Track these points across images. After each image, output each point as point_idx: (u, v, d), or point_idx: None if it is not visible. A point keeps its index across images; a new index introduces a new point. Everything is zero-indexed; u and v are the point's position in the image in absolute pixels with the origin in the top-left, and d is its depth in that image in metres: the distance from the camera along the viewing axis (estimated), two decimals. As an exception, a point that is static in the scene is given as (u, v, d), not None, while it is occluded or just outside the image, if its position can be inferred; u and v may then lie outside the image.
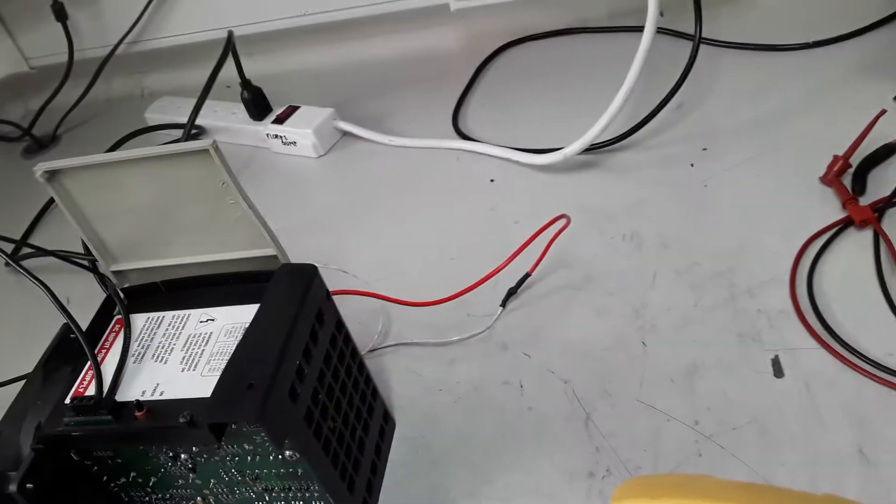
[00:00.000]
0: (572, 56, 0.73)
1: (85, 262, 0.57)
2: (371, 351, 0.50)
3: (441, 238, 0.58)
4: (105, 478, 0.40)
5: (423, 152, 0.67)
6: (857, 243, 0.48)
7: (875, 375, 0.41)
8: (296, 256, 0.41)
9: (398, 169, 0.66)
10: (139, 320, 0.41)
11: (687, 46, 0.58)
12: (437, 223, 0.59)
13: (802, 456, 0.39)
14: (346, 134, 0.72)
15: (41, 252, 0.61)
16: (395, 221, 0.61)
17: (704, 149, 0.58)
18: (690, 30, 0.58)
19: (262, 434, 0.36)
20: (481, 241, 0.56)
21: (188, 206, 0.39)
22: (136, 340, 0.40)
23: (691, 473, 0.38)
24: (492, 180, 0.62)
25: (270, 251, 0.40)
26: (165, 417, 0.35)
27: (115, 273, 0.42)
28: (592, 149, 0.59)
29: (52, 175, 0.38)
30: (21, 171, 0.84)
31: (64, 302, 0.41)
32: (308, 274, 0.39)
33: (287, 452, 0.36)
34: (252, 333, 0.37)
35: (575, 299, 0.50)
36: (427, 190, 0.63)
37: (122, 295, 0.42)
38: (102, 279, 0.41)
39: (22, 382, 0.40)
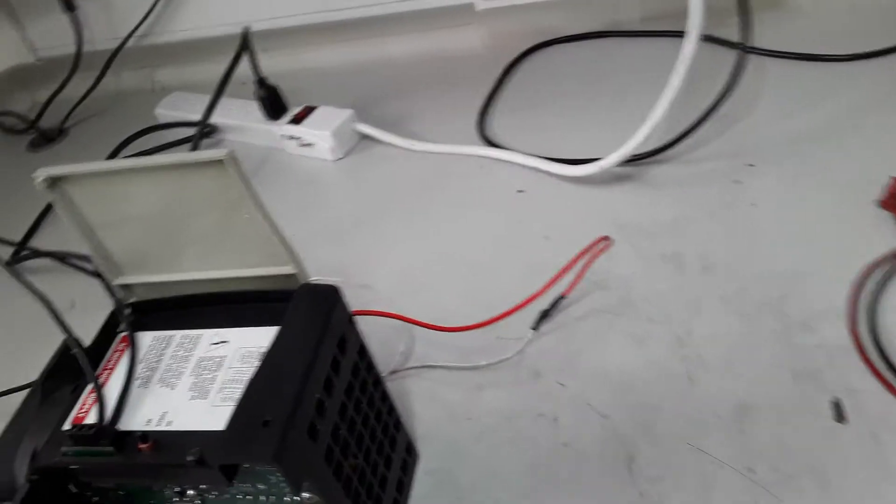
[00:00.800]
0: (605, 60, 0.70)
1: (90, 268, 0.54)
2: (392, 373, 0.47)
3: (466, 251, 0.55)
4: (104, 508, 0.36)
5: (446, 158, 0.64)
6: (921, 273, 0.45)
7: (946, 421, 0.38)
8: (311, 267, 0.37)
9: (420, 175, 0.63)
10: (146, 339, 0.37)
11: (725, 53, 0.54)
12: (462, 235, 0.56)
13: (867, 508, 0.36)
14: (364, 137, 0.68)
15: (44, 254, 0.58)
16: (417, 231, 0.58)
17: (751, 164, 0.54)
18: (727, 36, 0.54)
19: (278, 474, 0.32)
20: (509, 256, 0.53)
21: (200, 218, 0.36)
22: (142, 361, 0.36)
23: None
24: (520, 191, 0.58)
25: (289, 269, 0.36)
26: (173, 452, 0.32)
27: (121, 287, 0.39)
28: (630, 161, 0.55)
29: (53, 181, 0.35)
30: (26, 164, 0.81)
31: (68, 306, 0.37)
32: (331, 296, 0.35)
33: (304, 494, 0.33)
34: (270, 362, 0.33)
35: (613, 325, 0.47)
36: (451, 199, 0.60)
37: (127, 311, 0.38)
38: (109, 288, 0.38)
39: (20, 393, 0.38)
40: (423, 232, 0.58)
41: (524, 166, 0.60)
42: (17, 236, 0.69)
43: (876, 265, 0.45)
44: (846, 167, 0.52)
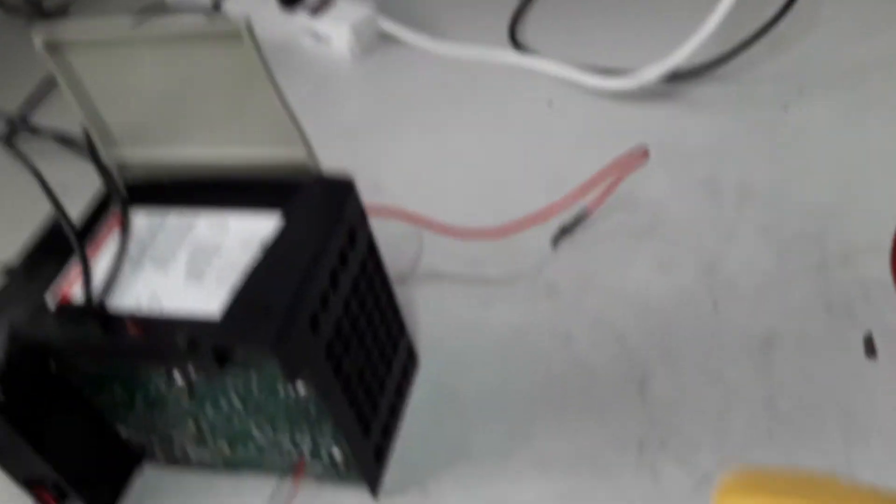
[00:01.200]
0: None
1: (84, 149, 0.52)
2: (399, 279, 0.46)
3: (488, 162, 0.53)
4: (87, 392, 0.36)
5: (473, 64, 0.61)
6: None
7: None
8: (323, 167, 0.36)
9: (444, 80, 0.61)
10: (140, 219, 0.36)
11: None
12: (484, 145, 0.54)
13: (893, 450, 0.35)
14: (386, 36, 0.66)
15: (38, 133, 0.57)
16: (437, 139, 0.56)
17: (801, 90, 0.52)
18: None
19: (274, 363, 0.31)
20: (533, 171, 0.51)
21: (209, 95, 0.34)
22: (135, 241, 0.35)
23: (812, 471, 0.33)
24: (550, 103, 0.56)
25: (300, 157, 0.35)
26: (163, 334, 0.31)
27: (118, 164, 0.38)
28: (671, 77, 0.53)
29: (53, 47, 0.33)
30: (25, 45, 0.79)
31: (61, 191, 0.36)
32: (343, 187, 0.34)
33: (300, 387, 0.32)
34: (272, 249, 0.32)
35: (638, 247, 0.45)
36: (475, 107, 0.58)
37: (122, 188, 0.37)
38: (103, 170, 0.37)
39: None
40: (443, 139, 0.56)
41: (557, 77, 0.57)
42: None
43: (926, 202, 0.43)
44: (899, 99, 0.50)
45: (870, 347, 0.38)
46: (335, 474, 0.37)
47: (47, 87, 0.69)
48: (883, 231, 0.43)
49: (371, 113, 0.60)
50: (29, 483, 0.37)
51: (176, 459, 0.40)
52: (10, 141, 0.36)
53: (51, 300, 0.33)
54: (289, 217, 0.33)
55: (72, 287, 0.34)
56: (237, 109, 0.34)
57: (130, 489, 0.40)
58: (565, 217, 0.46)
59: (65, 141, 0.55)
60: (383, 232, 0.40)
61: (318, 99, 0.62)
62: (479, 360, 0.42)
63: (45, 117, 0.64)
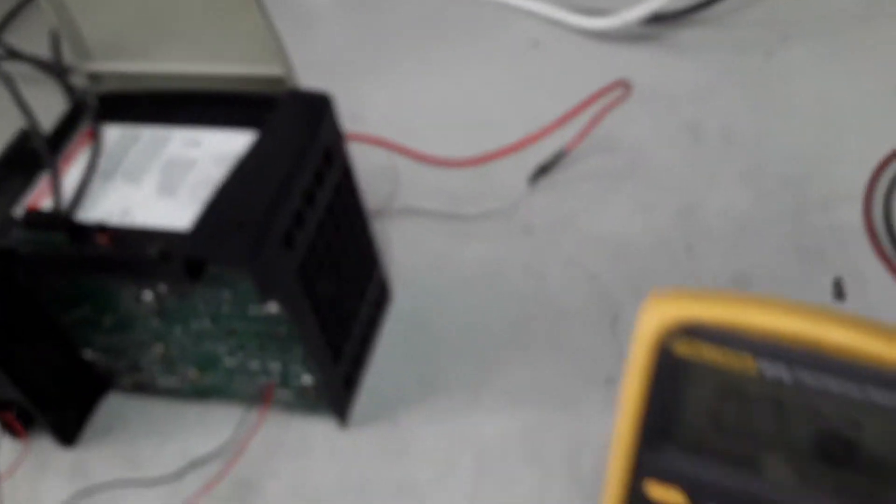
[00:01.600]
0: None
1: (53, 69, 0.52)
2: (374, 214, 0.47)
3: (469, 101, 0.53)
4: (54, 311, 0.36)
5: (458, 1, 0.61)
6: (949, 165, 0.44)
7: (949, 313, 0.38)
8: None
9: (425, 16, 0.61)
10: (112, 133, 0.36)
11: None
12: (466, 84, 0.55)
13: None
14: (368, -31, 0.66)
15: (5, 55, 0.56)
16: (418, 76, 0.56)
17: (786, 37, 0.53)
18: None
19: (246, 283, 0.32)
20: (514, 109, 0.52)
21: (188, 7, 0.34)
22: (107, 155, 0.35)
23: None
24: (533, 41, 0.57)
25: (277, 71, 0.35)
26: (133, 245, 0.31)
27: (91, 76, 0.38)
28: (656, 19, 0.54)
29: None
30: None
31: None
32: (321, 104, 0.34)
33: (272, 307, 0.33)
34: (246, 164, 0.33)
35: (616, 188, 0.46)
36: (457, 45, 0.58)
37: (95, 101, 0.37)
38: (70, 88, 0.36)
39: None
40: (424, 76, 0.56)
41: (541, 15, 0.58)
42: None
43: (902, 151, 0.45)
44: (884, 48, 0.51)
45: (838, 291, 0.40)
46: (304, 403, 0.38)
47: (21, 8, 0.68)
48: (859, 179, 0.44)
49: (351, 44, 0.60)
50: (-5, 407, 0.38)
51: (143, 387, 0.40)
52: None
53: (19, 211, 0.34)
54: (264, 133, 0.34)
55: (41, 199, 0.34)
56: (216, 22, 0.34)
57: (96, 416, 0.41)
58: (544, 155, 0.47)
59: (41, 64, 0.54)
60: (361, 164, 0.40)
61: (296, 28, 0.62)
62: (453, 295, 0.43)
63: (21, 41, 0.63)
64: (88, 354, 0.39)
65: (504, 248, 0.45)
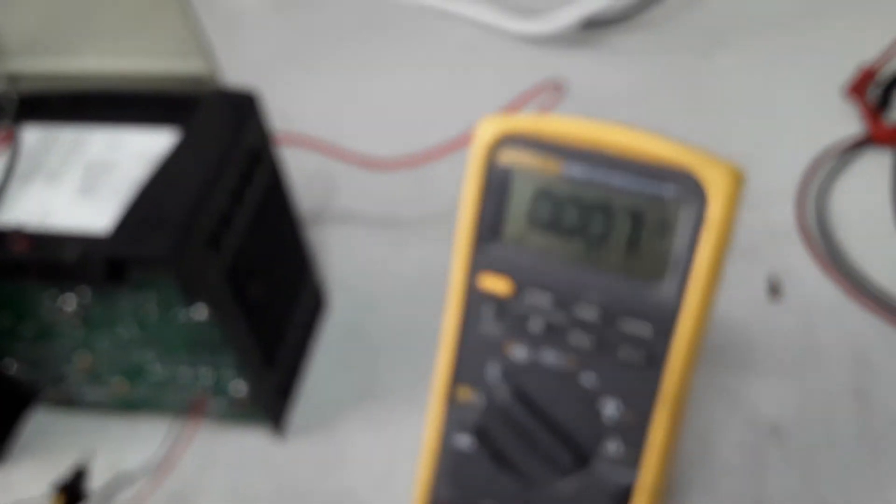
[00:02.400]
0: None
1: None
2: (309, 220, 0.46)
3: (402, 102, 0.53)
4: (-30, 322, 0.35)
5: (392, 3, 0.61)
6: (878, 164, 0.46)
7: (880, 307, 0.39)
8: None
9: (358, 21, 0.61)
10: (31, 134, 0.35)
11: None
12: (401, 86, 0.55)
13: (791, 387, 0.37)
14: (302, -26, 0.65)
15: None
16: (352, 78, 0.56)
17: (719, 41, 0.54)
18: None
19: (172, 286, 0.31)
20: (448, 112, 0.51)
21: (107, 2, 0.34)
22: (26, 157, 0.34)
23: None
24: (466, 48, 0.57)
25: (202, 69, 0.34)
26: (52, 248, 0.30)
27: (8, 76, 0.37)
28: (592, 24, 0.54)
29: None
30: None
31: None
32: (247, 102, 0.34)
33: (200, 312, 0.32)
34: (169, 163, 0.32)
35: (553, 189, 0.47)
36: (390, 48, 0.58)
37: (13, 100, 0.36)
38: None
39: None
40: (357, 78, 0.56)
41: (474, 20, 0.58)
42: None
43: (833, 151, 0.46)
44: (818, 52, 0.53)
45: (774, 288, 0.41)
46: (238, 414, 0.37)
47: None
48: (791, 179, 0.45)
49: (281, 49, 0.59)
50: None
51: (68, 400, 0.39)
52: None
53: (-71, 216, 0.32)
54: (187, 132, 0.33)
55: (-47, 203, 0.33)
56: (137, 19, 0.33)
57: (19, 434, 0.40)
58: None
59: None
60: (295, 168, 0.40)
61: (227, 33, 0.61)
62: (391, 301, 0.43)
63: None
64: (9, 367, 0.38)
65: (441, 251, 0.44)
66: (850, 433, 0.35)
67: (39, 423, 0.40)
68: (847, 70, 0.49)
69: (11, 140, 0.35)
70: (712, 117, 0.50)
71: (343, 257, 0.45)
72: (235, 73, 0.50)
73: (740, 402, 0.37)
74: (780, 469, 0.35)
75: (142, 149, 0.34)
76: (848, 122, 0.48)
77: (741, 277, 0.41)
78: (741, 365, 0.38)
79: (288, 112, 0.52)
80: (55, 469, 0.37)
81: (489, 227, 0.28)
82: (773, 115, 0.49)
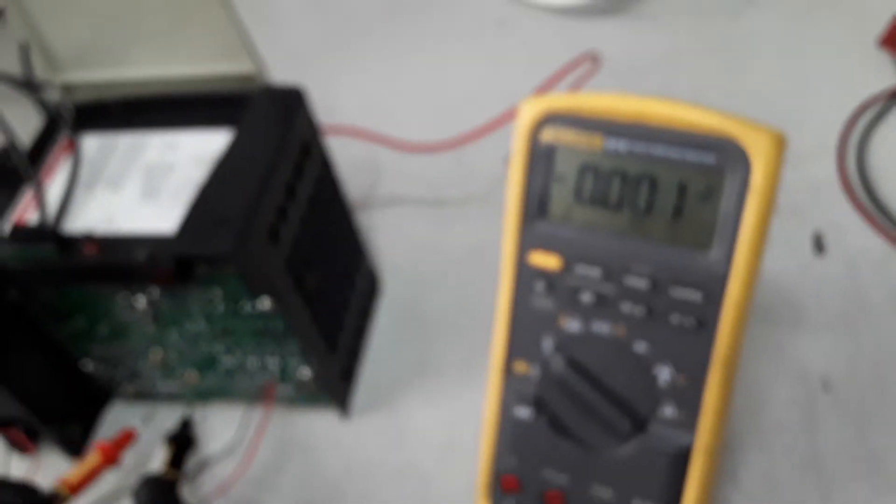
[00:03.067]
0: None
1: (25, 84, 0.52)
2: (358, 205, 0.47)
3: (440, 84, 0.54)
4: (49, 322, 0.36)
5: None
6: (917, 114, 0.45)
7: (927, 258, 0.39)
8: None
9: (392, 2, 0.61)
10: (91, 142, 0.36)
11: None
12: (436, 67, 0.55)
13: (840, 340, 0.37)
14: (333, -38, 0.66)
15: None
16: (387, 62, 0.56)
17: (749, 0, 0.54)
18: None
19: (236, 279, 0.32)
20: (486, 90, 0.52)
21: (154, 6, 0.34)
22: (87, 166, 0.36)
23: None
24: (500, 22, 0.57)
25: (249, 68, 0.35)
26: (121, 252, 0.31)
27: (64, 87, 0.38)
28: (620, -8, 0.54)
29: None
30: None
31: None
32: (294, 98, 0.35)
33: (264, 302, 0.33)
34: (225, 163, 0.33)
35: (593, 159, 0.47)
36: (425, 28, 0.58)
37: (71, 112, 0.37)
38: (44, 102, 0.36)
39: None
40: (394, 62, 0.56)
41: (505, -4, 0.58)
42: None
43: (869, 104, 0.45)
44: (851, 6, 0.52)
45: (819, 245, 0.41)
46: (305, 397, 0.38)
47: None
48: (829, 133, 0.45)
49: (320, 36, 0.60)
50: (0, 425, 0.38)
51: (143, 394, 0.40)
52: None
53: (5, 227, 0.34)
54: (240, 130, 0.34)
55: (26, 214, 0.34)
56: (184, 24, 0.34)
57: (100, 426, 0.41)
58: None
59: (13, 81, 0.54)
60: (340, 156, 0.40)
61: (262, 20, 0.62)
62: (441, 279, 0.43)
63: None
64: (87, 366, 0.39)
65: (487, 229, 0.45)
66: (902, 383, 0.35)
67: (117, 416, 0.41)
68: (881, 21, 0.49)
69: (72, 149, 0.36)
70: (748, 78, 0.49)
71: (393, 240, 0.46)
72: (277, 66, 0.50)
73: (790, 359, 0.37)
74: (832, 423, 0.35)
75: (198, 149, 0.35)
76: (884, 73, 0.47)
77: (787, 236, 0.41)
78: (790, 322, 0.38)
79: (330, 102, 0.52)
80: (137, 459, 0.39)
81: (536, 205, 0.28)
82: (808, 71, 0.49)
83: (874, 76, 0.47)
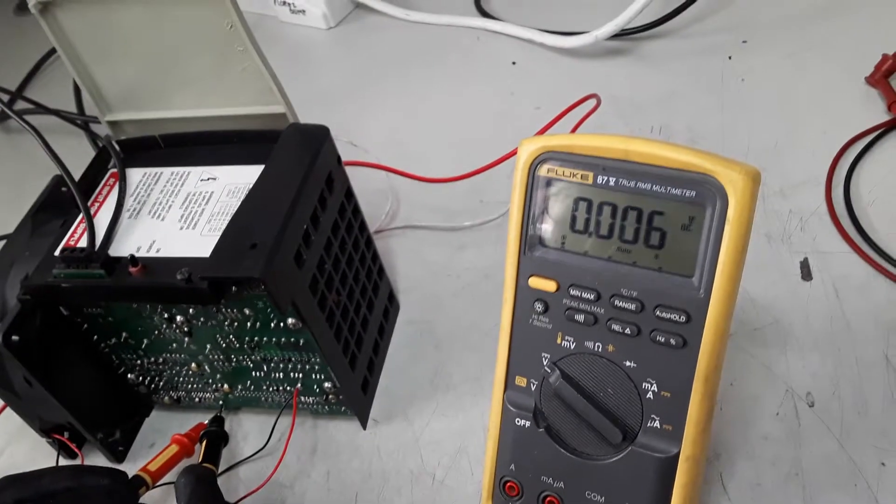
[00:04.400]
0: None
1: (77, 120, 0.54)
2: (378, 232, 0.49)
3: (456, 121, 0.55)
4: (95, 337, 0.38)
5: (441, 29, 0.64)
6: (901, 147, 0.46)
7: (908, 283, 0.40)
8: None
9: (414, 46, 0.63)
10: (135, 175, 0.39)
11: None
12: (453, 105, 0.57)
13: (825, 359, 0.38)
14: (358, 5, 0.68)
15: (33, 109, 0.59)
16: (409, 102, 0.58)
17: (745, 41, 0.55)
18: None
19: (265, 299, 0.34)
20: (499, 126, 0.54)
21: (193, 53, 0.37)
22: (132, 195, 0.38)
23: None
24: (513, 63, 0.59)
25: (278, 108, 0.37)
26: (162, 274, 0.33)
27: (111, 124, 0.40)
28: (624, 34, 0.56)
29: (45, 7, 0.36)
30: (12, 29, 0.80)
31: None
32: (319, 135, 0.36)
33: (289, 320, 0.35)
34: (256, 194, 0.35)
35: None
36: (444, 70, 0.60)
37: (117, 147, 0.40)
38: (94, 137, 0.39)
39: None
40: (414, 101, 0.58)
41: (518, 38, 0.60)
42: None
43: (857, 138, 0.47)
44: (841, 45, 0.53)
45: (806, 271, 0.42)
46: (328, 408, 0.40)
47: (40, 66, 0.70)
48: (819, 167, 0.46)
49: (346, 79, 0.62)
50: (48, 431, 0.40)
51: (179, 402, 0.42)
52: (10, 108, 0.37)
53: (58, 251, 0.36)
54: (270, 164, 0.36)
55: (77, 239, 0.36)
56: (219, 69, 0.36)
57: (140, 434, 0.42)
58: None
59: (66, 117, 0.57)
60: (362, 187, 0.42)
61: (295, 68, 0.64)
62: (453, 300, 0.45)
63: (40, 95, 0.66)
64: (129, 377, 0.41)
65: (497, 254, 0.46)
66: (881, 401, 0.36)
67: (156, 423, 0.43)
68: (869, 59, 0.50)
69: (119, 181, 0.38)
70: (741, 114, 0.51)
71: (410, 263, 0.47)
72: (308, 106, 0.53)
73: (778, 376, 0.38)
74: (816, 436, 0.36)
75: (232, 181, 0.37)
76: (872, 109, 0.48)
77: (776, 260, 0.42)
78: (778, 341, 0.39)
79: (356, 138, 0.55)
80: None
81: (533, 235, 0.30)
82: (800, 107, 0.50)
83: (863, 112, 0.48)
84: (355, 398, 0.40)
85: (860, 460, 0.34)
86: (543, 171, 0.29)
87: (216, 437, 0.39)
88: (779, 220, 0.44)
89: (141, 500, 0.35)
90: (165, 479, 0.38)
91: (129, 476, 0.36)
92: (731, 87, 0.52)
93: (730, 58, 0.54)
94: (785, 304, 0.40)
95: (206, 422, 0.40)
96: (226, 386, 0.40)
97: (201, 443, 0.39)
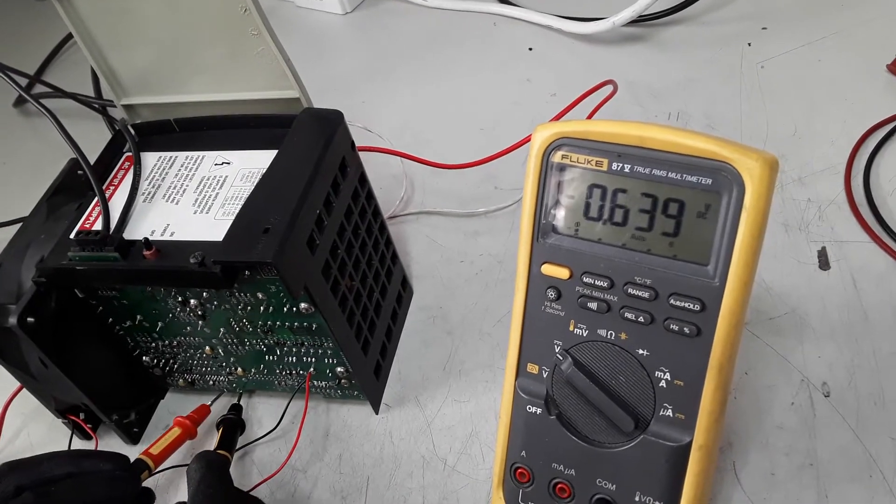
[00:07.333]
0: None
1: (94, 104, 0.54)
2: (392, 217, 0.48)
3: (472, 106, 0.55)
4: (110, 320, 0.38)
5: (457, 15, 0.63)
6: (922, 136, 0.45)
7: (927, 274, 0.39)
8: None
9: (430, 31, 0.63)
10: (150, 159, 0.39)
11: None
12: (469, 91, 0.56)
13: (841, 349, 0.37)
14: (375, -9, 0.68)
15: (51, 92, 0.59)
16: (425, 87, 0.58)
17: (764, 28, 0.54)
18: None
19: (277, 284, 0.34)
20: (515, 112, 0.53)
21: (207, 37, 0.36)
22: (147, 179, 0.38)
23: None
24: (530, 49, 0.58)
25: (292, 93, 0.37)
26: (175, 258, 0.33)
27: (127, 108, 0.40)
28: (642, 20, 0.55)
29: (60, -9, 0.35)
30: (32, 14, 0.80)
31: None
32: (333, 120, 0.36)
33: (302, 305, 0.35)
34: (269, 178, 0.34)
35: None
36: (460, 56, 0.60)
37: (132, 131, 0.39)
38: (111, 121, 0.39)
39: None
40: (430, 87, 0.58)
41: (536, 24, 0.59)
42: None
43: (877, 126, 0.46)
44: (862, 33, 0.52)
45: (823, 260, 0.41)
46: (341, 392, 0.40)
47: (58, 51, 0.71)
48: (838, 156, 0.45)
49: (361, 64, 0.62)
50: (63, 412, 0.40)
51: (193, 384, 0.42)
52: (28, 91, 0.37)
53: (74, 233, 0.36)
54: (283, 149, 0.35)
55: (92, 222, 0.36)
56: (234, 54, 0.36)
57: (155, 415, 0.43)
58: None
59: (83, 100, 0.56)
60: (376, 173, 0.42)
61: (311, 53, 0.64)
62: (466, 286, 0.45)
63: (58, 79, 0.66)
64: (144, 359, 0.41)
65: (511, 241, 0.46)
66: (899, 391, 0.36)
67: (171, 405, 0.43)
68: (890, 46, 0.49)
69: (134, 164, 0.38)
70: (760, 101, 0.50)
71: (423, 249, 0.47)
72: (324, 91, 0.52)
73: (794, 365, 0.37)
74: (831, 427, 0.35)
75: (246, 165, 0.36)
76: (894, 97, 0.47)
77: (794, 249, 0.42)
78: (794, 331, 0.38)
79: (368, 122, 0.54)
80: (188, 446, 0.40)
81: (547, 222, 0.29)
82: (820, 95, 0.49)
83: (883, 100, 0.47)
84: (368, 383, 0.39)
85: (875, 451, 0.34)
86: (557, 157, 0.28)
87: (233, 425, 0.39)
88: (797, 209, 0.43)
89: (144, 484, 0.35)
90: (171, 461, 0.38)
91: (132, 460, 0.36)
92: (750, 74, 0.51)
93: (749, 44, 0.53)
94: (802, 294, 0.40)
95: (209, 403, 0.40)
96: (239, 369, 0.40)
97: (218, 429, 0.39)
